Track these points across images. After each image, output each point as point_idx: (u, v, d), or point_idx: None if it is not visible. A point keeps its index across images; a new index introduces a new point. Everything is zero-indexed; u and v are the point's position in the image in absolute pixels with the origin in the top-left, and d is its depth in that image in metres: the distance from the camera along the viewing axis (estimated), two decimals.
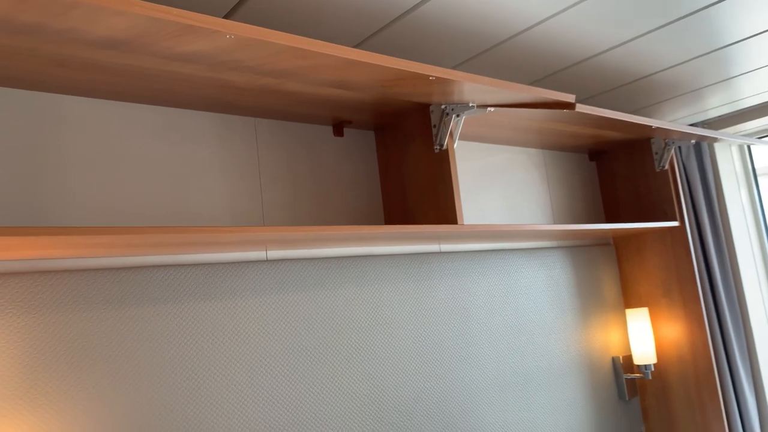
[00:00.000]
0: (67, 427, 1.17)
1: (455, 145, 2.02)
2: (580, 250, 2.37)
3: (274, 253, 1.54)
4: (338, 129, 1.73)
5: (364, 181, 1.76)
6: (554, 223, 2.33)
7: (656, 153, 2.36)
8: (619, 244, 2.53)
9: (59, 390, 1.17)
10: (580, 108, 1.59)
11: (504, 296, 2.04)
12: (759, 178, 2.92)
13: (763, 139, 2.87)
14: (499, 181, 2.16)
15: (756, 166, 2.92)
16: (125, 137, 1.35)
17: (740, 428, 2.46)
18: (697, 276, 2.31)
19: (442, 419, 1.78)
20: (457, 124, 1.60)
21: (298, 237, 1.27)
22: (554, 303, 2.21)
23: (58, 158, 1.25)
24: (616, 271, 2.52)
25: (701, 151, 2.75)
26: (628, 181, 2.48)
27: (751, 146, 2.91)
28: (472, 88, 1.38)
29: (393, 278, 1.75)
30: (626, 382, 2.36)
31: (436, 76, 1.22)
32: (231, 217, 1.48)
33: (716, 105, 2.57)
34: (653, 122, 1.92)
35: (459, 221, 1.55)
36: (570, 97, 1.47)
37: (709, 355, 2.25)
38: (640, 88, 2.20)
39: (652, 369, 2.35)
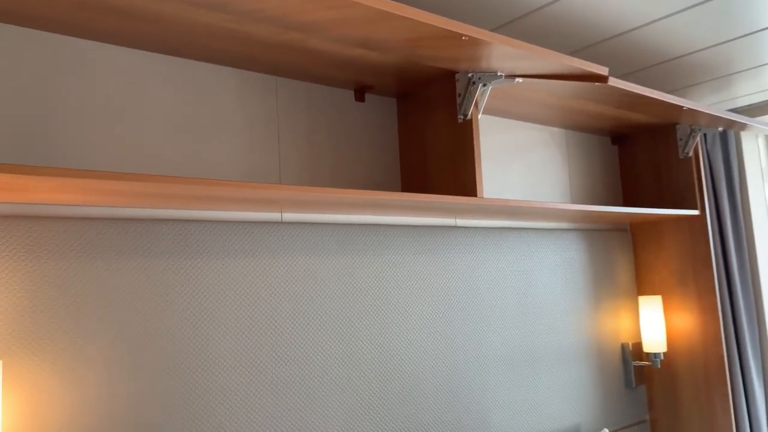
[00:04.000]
0: (68, 374, 1.15)
1: (479, 117, 1.97)
2: (596, 234, 2.33)
3: (289, 216, 1.51)
4: (360, 94, 1.68)
5: (383, 148, 1.72)
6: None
7: (681, 139, 2.30)
8: (635, 231, 2.48)
9: (63, 337, 1.15)
10: (613, 82, 1.53)
11: (517, 275, 2.01)
12: None
13: None
14: (519, 158, 2.11)
15: None
16: (144, 86, 1.31)
17: (747, 421, 2.43)
18: (714, 267, 2.26)
19: (449, 390, 1.76)
20: (483, 94, 1.55)
21: (314, 198, 1.23)
22: (567, 285, 2.17)
23: (73, 102, 1.22)
24: (631, 257, 2.48)
25: (727, 140, 2.68)
26: (650, 166, 2.42)
27: None
28: (503, 52, 1.33)
29: (407, 249, 1.72)
30: (634, 370, 2.34)
31: (469, 36, 1.18)
32: (247, 176, 1.44)
33: (746, 93, 2.50)
34: (684, 102, 1.86)
35: (478, 194, 1.51)
36: (603, 69, 1.42)
37: (720, 347, 2.21)
38: (670, 70, 2.14)
39: (662, 358, 2.31)
